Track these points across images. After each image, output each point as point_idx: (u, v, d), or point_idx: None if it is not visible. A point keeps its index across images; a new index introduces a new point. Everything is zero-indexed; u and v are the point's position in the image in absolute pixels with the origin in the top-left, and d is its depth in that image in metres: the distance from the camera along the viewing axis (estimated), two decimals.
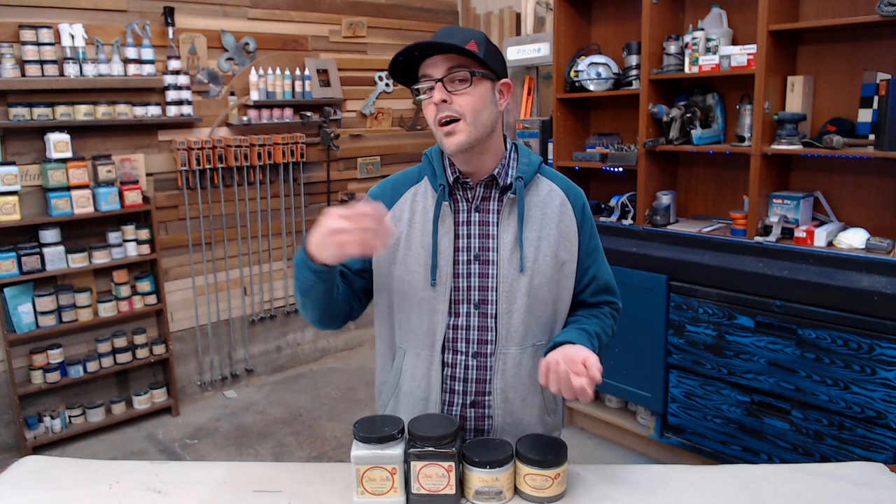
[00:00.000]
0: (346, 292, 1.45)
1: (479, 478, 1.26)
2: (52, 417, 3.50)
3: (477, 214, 1.41)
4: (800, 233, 2.71)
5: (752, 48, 2.74)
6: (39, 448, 3.45)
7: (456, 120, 1.31)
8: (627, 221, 3.23)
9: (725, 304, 2.83)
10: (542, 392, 1.48)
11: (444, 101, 1.30)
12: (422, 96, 1.35)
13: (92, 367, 3.60)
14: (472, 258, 1.40)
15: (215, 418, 3.90)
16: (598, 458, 3.33)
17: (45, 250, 3.37)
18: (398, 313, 1.44)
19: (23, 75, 3.24)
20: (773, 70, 2.74)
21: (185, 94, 3.78)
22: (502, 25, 4.67)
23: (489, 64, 1.32)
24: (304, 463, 1.47)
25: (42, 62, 3.27)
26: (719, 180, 3.24)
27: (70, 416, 3.58)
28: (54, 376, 3.46)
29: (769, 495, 1.31)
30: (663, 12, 3.10)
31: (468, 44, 1.29)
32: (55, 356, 3.47)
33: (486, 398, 1.43)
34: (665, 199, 3.16)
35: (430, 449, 1.24)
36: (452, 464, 1.24)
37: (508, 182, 1.40)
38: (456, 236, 1.40)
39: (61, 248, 3.41)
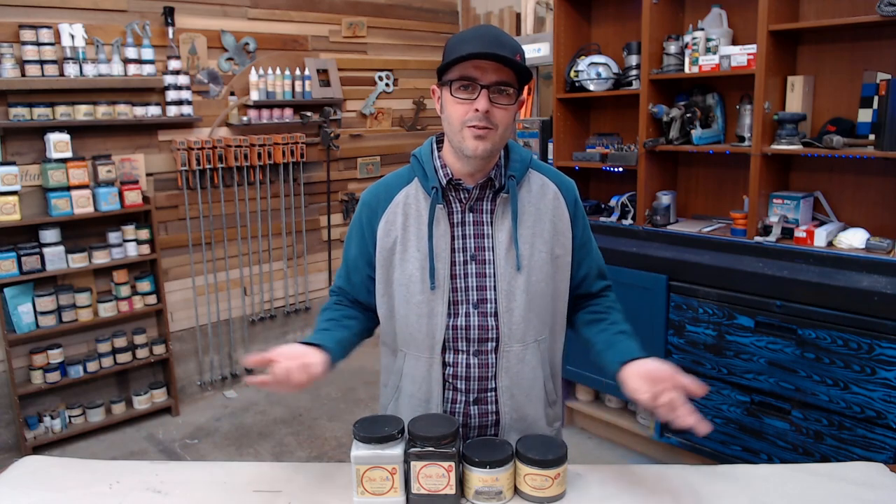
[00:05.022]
0: (364, 320, 1.53)
1: (479, 478, 1.26)
2: (52, 417, 3.49)
3: (471, 215, 1.41)
4: (800, 233, 2.70)
5: (752, 48, 2.73)
6: (39, 448, 3.45)
7: (489, 128, 1.31)
8: (627, 221, 3.22)
9: (725, 304, 2.82)
10: (543, 384, 1.49)
11: (487, 111, 1.29)
12: (459, 96, 1.31)
13: (92, 367, 3.59)
14: (468, 258, 1.40)
15: (215, 418, 3.90)
16: (598, 458, 3.33)
17: (45, 250, 3.36)
18: (398, 317, 1.44)
19: (23, 75, 3.24)
20: (773, 70, 2.73)
21: (185, 94, 3.78)
22: (502, 25, 4.66)
23: (525, 83, 1.34)
24: (304, 463, 1.47)
25: (42, 62, 3.26)
26: (719, 180, 3.23)
27: (70, 416, 3.57)
28: (54, 376, 3.46)
29: (769, 495, 1.31)
30: (663, 12, 3.09)
31: (516, 56, 1.29)
32: (55, 356, 3.47)
33: (489, 395, 1.43)
34: (665, 199, 3.16)
35: (430, 449, 1.23)
36: (452, 464, 1.24)
37: (503, 182, 1.41)
38: (452, 238, 1.40)
39: (61, 248, 3.41)
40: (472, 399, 1.43)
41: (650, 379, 1.26)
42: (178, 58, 3.74)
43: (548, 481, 1.26)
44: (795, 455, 2.69)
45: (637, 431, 3.34)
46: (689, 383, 1.22)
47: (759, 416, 2.79)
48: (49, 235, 3.37)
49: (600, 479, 1.37)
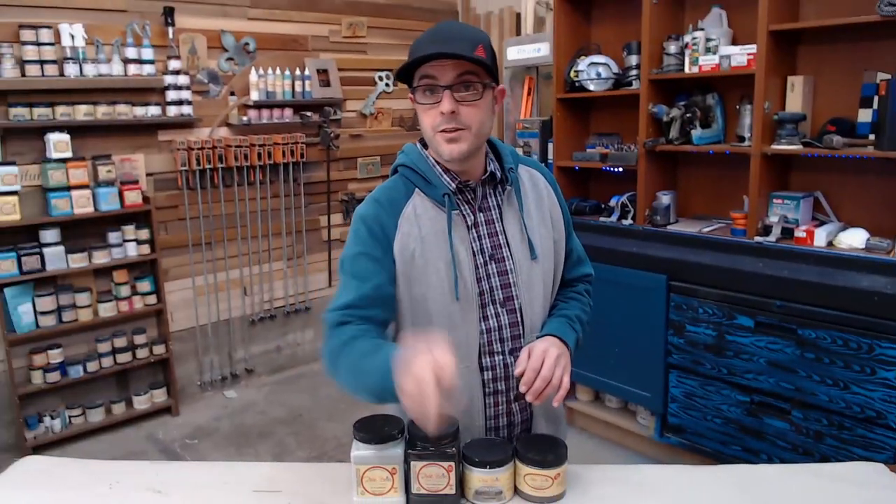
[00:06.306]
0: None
1: (479, 478, 1.26)
2: (52, 417, 3.49)
3: (481, 214, 1.40)
4: (800, 233, 2.70)
5: (752, 48, 2.73)
6: (39, 448, 3.44)
7: (460, 129, 1.27)
8: (627, 221, 3.21)
9: (725, 304, 2.82)
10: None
11: (453, 112, 1.25)
12: (423, 102, 1.28)
13: (92, 367, 3.59)
14: (487, 259, 1.39)
15: (215, 418, 3.90)
16: (598, 458, 3.32)
17: (45, 250, 3.36)
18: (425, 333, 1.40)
19: (23, 75, 3.23)
20: (773, 70, 2.73)
21: (185, 94, 3.77)
22: (502, 25, 4.66)
23: (493, 72, 1.29)
24: (304, 463, 1.46)
25: (42, 62, 3.26)
26: (719, 180, 3.23)
27: (70, 416, 3.57)
28: (54, 376, 3.45)
29: (769, 495, 1.31)
30: (663, 12, 3.09)
31: (476, 49, 1.23)
32: (55, 356, 3.46)
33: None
34: (665, 199, 3.15)
35: (431, 449, 1.23)
36: (452, 464, 1.24)
37: (504, 175, 1.41)
38: (470, 241, 1.39)
39: (61, 248, 3.40)
40: (512, 397, 1.42)
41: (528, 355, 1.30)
42: (178, 58, 3.73)
43: (548, 481, 1.26)
44: (795, 455, 2.69)
45: (637, 431, 3.34)
46: (550, 374, 1.26)
47: (759, 416, 2.79)
48: (49, 235, 3.37)
49: (600, 479, 1.37)
